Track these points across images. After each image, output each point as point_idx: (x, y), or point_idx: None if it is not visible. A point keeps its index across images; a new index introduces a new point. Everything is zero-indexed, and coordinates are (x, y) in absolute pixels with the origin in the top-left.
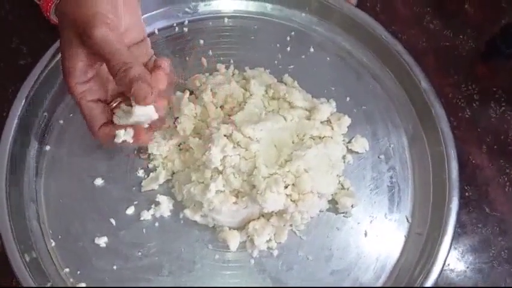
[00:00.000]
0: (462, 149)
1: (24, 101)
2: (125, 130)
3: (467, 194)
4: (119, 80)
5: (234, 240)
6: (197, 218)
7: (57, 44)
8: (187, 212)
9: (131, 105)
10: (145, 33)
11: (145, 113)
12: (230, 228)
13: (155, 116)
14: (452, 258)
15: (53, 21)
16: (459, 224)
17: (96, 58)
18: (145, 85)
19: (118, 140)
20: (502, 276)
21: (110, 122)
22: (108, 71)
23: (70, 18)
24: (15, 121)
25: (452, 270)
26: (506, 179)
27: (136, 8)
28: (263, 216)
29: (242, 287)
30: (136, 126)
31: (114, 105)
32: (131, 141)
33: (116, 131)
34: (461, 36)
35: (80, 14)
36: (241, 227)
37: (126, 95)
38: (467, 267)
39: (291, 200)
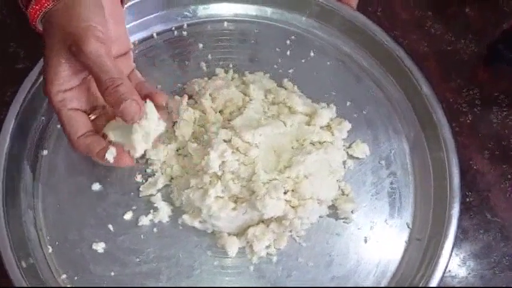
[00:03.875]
0: (463, 155)
1: (21, 105)
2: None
3: (468, 199)
4: (107, 96)
5: (233, 246)
6: (196, 223)
7: None
8: (186, 218)
9: (113, 118)
10: (130, 45)
11: (144, 132)
12: (229, 234)
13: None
14: (454, 264)
15: (39, 29)
16: (460, 229)
17: (81, 69)
18: (134, 104)
19: (110, 158)
20: (504, 282)
21: (91, 132)
22: (96, 85)
23: (59, 29)
24: (13, 125)
25: (453, 277)
26: (508, 184)
27: (122, 19)
28: (262, 222)
29: (241, 287)
30: (119, 147)
31: (93, 117)
32: (111, 161)
33: (110, 147)
34: (463, 41)
35: (71, 26)
36: (241, 233)
37: (107, 109)
38: (469, 274)
39: (290, 206)
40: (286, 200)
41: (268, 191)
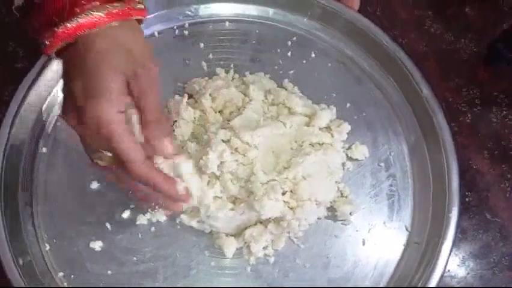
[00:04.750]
0: (463, 154)
1: (20, 104)
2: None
3: (467, 199)
4: (148, 132)
5: (230, 247)
6: (193, 223)
7: None
8: (184, 218)
9: None
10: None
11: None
12: (227, 234)
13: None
14: (453, 264)
15: (48, 50)
16: (460, 229)
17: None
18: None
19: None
20: (503, 282)
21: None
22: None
23: (126, 47)
24: (12, 124)
25: (452, 277)
26: (507, 184)
27: None
28: (260, 222)
29: (239, 287)
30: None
31: None
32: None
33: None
34: (462, 40)
35: (138, 45)
36: (238, 234)
37: None
38: (468, 274)
39: (288, 207)
40: (284, 201)
41: (266, 192)
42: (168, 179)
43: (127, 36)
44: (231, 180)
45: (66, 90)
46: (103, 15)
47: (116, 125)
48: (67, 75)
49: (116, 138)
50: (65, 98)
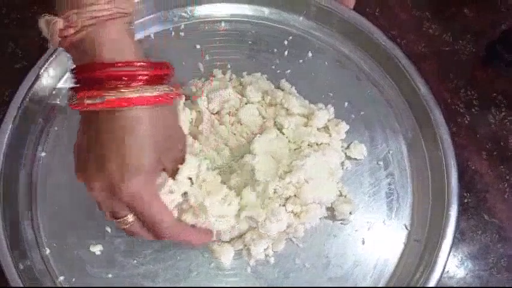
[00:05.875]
0: (461, 155)
1: (19, 106)
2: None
3: (466, 200)
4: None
5: (228, 255)
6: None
7: (54, 48)
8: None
9: None
10: None
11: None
12: (222, 242)
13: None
14: (451, 265)
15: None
16: (458, 230)
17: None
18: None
19: None
20: (501, 283)
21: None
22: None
23: (160, 132)
24: (11, 126)
25: (451, 278)
26: (506, 185)
27: None
28: None
29: (238, 287)
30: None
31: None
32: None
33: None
34: (461, 41)
35: (170, 132)
36: (238, 237)
37: None
38: (466, 274)
39: (293, 213)
40: (287, 210)
41: (268, 217)
42: (202, 234)
43: (169, 120)
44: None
45: (94, 153)
46: (154, 94)
47: (152, 192)
48: (95, 139)
49: (146, 206)
50: (86, 159)
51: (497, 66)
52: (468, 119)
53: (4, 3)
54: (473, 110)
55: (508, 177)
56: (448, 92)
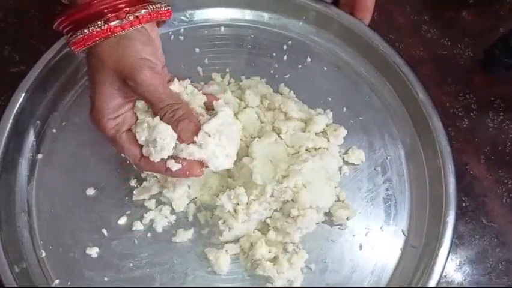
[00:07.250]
0: (460, 159)
1: (16, 109)
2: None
3: (464, 204)
4: (166, 120)
5: (224, 263)
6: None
7: (50, 52)
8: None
9: None
10: (164, 60)
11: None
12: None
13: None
14: (449, 269)
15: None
16: (456, 234)
17: (132, 96)
18: (192, 124)
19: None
20: None
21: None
22: (153, 110)
23: (111, 65)
24: (7, 129)
25: (449, 282)
26: (504, 189)
27: (158, 40)
28: (258, 230)
29: (236, 286)
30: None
31: None
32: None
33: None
34: (459, 45)
35: (124, 61)
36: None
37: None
38: (464, 279)
39: (291, 216)
40: (284, 214)
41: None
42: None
43: (115, 50)
44: None
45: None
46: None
47: (108, 131)
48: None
49: (115, 143)
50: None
51: (495, 70)
52: (466, 122)
53: (0, 7)
54: (471, 114)
55: (506, 182)
56: (446, 96)
